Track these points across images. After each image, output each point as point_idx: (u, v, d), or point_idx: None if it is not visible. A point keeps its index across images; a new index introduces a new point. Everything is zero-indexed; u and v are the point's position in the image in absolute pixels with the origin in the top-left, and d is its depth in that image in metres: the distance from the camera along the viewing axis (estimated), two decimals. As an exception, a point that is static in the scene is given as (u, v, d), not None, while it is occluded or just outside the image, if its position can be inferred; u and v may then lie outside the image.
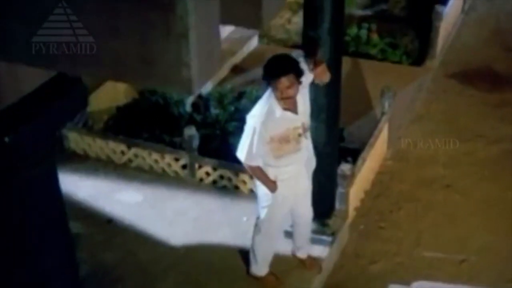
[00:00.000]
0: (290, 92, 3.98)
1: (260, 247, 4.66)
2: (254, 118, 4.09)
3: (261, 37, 8.68)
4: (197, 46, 1.78)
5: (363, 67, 8.00)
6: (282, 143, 4.13)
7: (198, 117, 6.50)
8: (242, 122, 6.30)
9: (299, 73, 3.99)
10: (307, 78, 4.18)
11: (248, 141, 4.06)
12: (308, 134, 4.32)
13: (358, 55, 8.12)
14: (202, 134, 5.99)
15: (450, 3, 8.28)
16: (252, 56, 8.27)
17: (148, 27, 1.78)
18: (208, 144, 6.06)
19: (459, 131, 6.90)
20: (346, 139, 6.35)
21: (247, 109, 6.46)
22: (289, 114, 4.11)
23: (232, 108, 6.49)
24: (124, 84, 7.07)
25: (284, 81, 3.94)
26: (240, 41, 8.31)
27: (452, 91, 7.63)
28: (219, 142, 6.11)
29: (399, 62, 8.16)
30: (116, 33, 1.84)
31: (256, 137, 4.04)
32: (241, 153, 4.13)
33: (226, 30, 8.32)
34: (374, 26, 8.48)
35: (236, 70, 8.00)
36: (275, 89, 3.98)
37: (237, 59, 8.12)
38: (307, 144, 4.34)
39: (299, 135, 4.22)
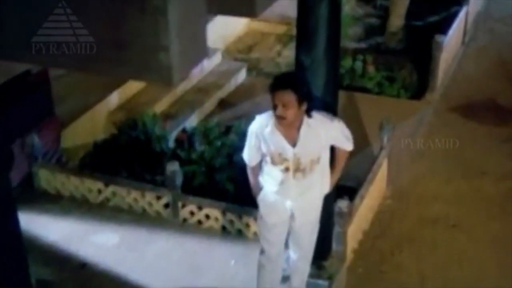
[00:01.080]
0: (285, 112, 3.88)
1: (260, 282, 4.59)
2: (252, 122, 4.20)
3: (249, 70, 8.62)
4: (177, 25, 1.58)
5: (358, 101, 7.92)
6: (270, 161, 4.15)
7: (182, 153, 6.35)
8: (229, 158, 6.29)
9: (301, 94, 3.88)
10: (329, 132, 4.10)
11: (246, 141, 4.26)
12: (304, 177, 4.16)
13: (353, 88, 8.04)
14: (186, 171, 5.83)
15: (450, 34, 8.27)
16: (240, 90, 8.22)
17: (120, 1, 1.59)
18: (193, 181, 5.90)
19: (464, 167, 6.80)
20: (342, 177, 6.22)
21: (235, 144, 6.47)
22: (279, 137, 4.04)
23: (219, 143, 6.36)
24: (103, 117, 6.97)
25: (280, 96, 3.86)
26: (227, 74, 8.27)
27: (454, 125, 7.54)
28: (204, 179, 5.94)
29: (397, 96, 8.10)
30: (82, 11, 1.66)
31: (247, 140, 4.22)
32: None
33: (212, 63, 8.27)
34: (369, 58, 8.43)
35: (223, 104, 7.91)
36: (272, 105, 3.92)
37: (223, 93, 8.05)
38: (298, 185, 4.19)
39: (286, 169, 4.11)
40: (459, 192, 6.45)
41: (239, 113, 7.39)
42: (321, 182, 4.37)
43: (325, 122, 4.13)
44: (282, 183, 4.18)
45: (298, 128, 4.04)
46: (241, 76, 8.45)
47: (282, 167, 4.12)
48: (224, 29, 9.16)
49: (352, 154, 6.74)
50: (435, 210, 6.23)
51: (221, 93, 7.98)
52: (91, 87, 7.18)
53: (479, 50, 9.24)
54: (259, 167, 4.33)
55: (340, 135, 4.24)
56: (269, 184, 4.28)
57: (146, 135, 6.61)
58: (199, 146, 6.48)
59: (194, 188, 5.82)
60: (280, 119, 3.94)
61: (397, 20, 9.20)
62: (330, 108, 4.39)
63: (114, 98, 7.22)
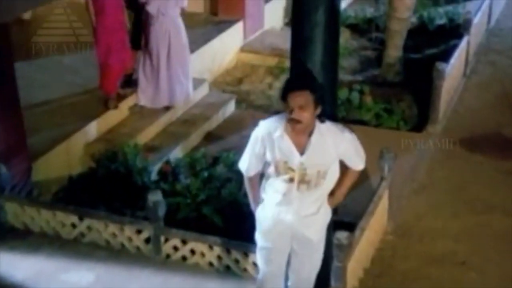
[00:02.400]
0: (302, 115, 3.79)
1: None
2: (257, 127, 4.06)
3: (238, 103, 8.46)
4: None
5: (355, 133, 7.71)
6: (274, 170, 4.01)
7: (165, 186, 6.11)
8: (217, 190, 6.05)
9: (318, 96, 3.81)
10: (339, 144, 3.97)
11: (246, 149, 4.13)
12: (308, 191, 4.02)
13: (349, 120, 7.86)
14: (169, 203, 5.58)
15: (451, 62, 8.17)
16: (228, 123, 8.08)
17: None
18: (177, 214, 5.65)
19: (470, 202, 6.61)
20: (340, 211, 6.01)
21: (223, 176, 6.26)
22: (287, 143, 3.92)
23: (206, 174, 6.15)
24: (79, 149, 6.73)
25: (297, 97, 3.77)
26: (215, 106, 8.13)
27: (458, 158, 7.40)
28: (190, 212, 5.69)
29: (397, 128, 7.98)
30: None
31: (249, 147, 4.08)
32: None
33: (199, 94, 8.10)
34: (366, 89, 8.30)
35: (210, 137, 7.75)
36: (286, 106, 3.82)
37: (211, 125, 7.88)
38: (301, 199, 4.04)
39: (291, 179, 3.97)
40: (466, 227, 6.22)
41: (227, 147, 7.24)
42: (326, 202, 4.22)
43: (336, 132, 4.00)
44: (285, 194, 4.04)
45: (309, 135, 3.93)
46: (230, 108, 8.29)
47: (287, 177, 3.99)
48: (211, 61, 9.07)
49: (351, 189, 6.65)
50: (441, 247, 5.99)
51: (208, 126, 7.81)
52: (67, 116, 7.02)
53: (481, 82, 9.16)
54: (258, 178, 4.18)
55: (351, 149, 4.08)
56: (271, 196, 4.12)
57: (126, 168, 6.42)
58: (185, 179, 6.27)
59: (178, 221, 5.60)
60: (295, 123, 3.82)
61: (394, 51, 9.11)
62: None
63: (92, 129, 7.00)
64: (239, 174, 6.04)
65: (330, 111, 4.24)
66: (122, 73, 7.39)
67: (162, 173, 6.46)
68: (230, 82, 9.20)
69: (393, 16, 8.94)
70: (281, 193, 4.05)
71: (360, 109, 8.07)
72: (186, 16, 7.63)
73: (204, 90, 8.29)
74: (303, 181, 4.00)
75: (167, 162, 6.64)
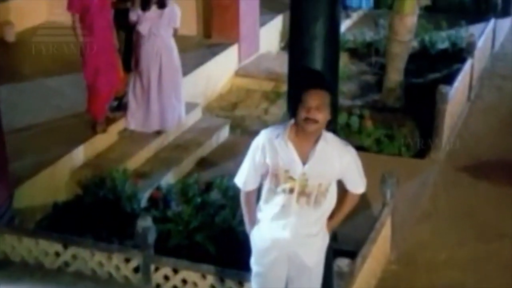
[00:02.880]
0: (318, 115, 3.74)
1: None
2: (258, 135, 4.02)
3: (233, 128, 8.39)
4: None
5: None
6: (273, 181, 3.95)
7: (156, 213, 6.00)
8: (211, 217, 5.94)
9: (332, 101, 3.80)
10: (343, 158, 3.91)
11: (244, 161, 4.08)
12: (307, 205, 3.95)
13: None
14: (160, 230, 5.47)
15: (455, 86, 8.15)
16: (222, 149, 7.99)
17: None
18: (168, 241, 5.53)
19: (477, 230, 6.54)
20: (340, 240, 5.92)
21: (217, 203, 6.15)
22: (290, 149, 3.85)
23: (199, 200, 6.07)
24: (65, 175, 6.63)
25: (316, 96, 3.74)
26: (208, 131, 8.06)
27: (463, 185, 7.35)
28: (181, 239, 5.58)
29: (399, 155, 7.93)
30: None
31: (248, 158, 4.03)
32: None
33: (192, 118, 8.03)
34: (366, 113, 8.24)
35: (203, 163, 7.64)
36: (301, 106, 3.75)
37: (204, 151, 7.79)
38: (300, 213, 3.96)
39: (291, 190, 3.90)
40: (474, 257, 6.12)
41: (221, 173, 7.10)
42: (325, 226, 4.14)
43: (340, 143, 3.97)
44: (283, 206, 3.96)
45: (315, 143, 3.87)
46: (224, 133, 8.22)
47: (287, 186, 3.91)
48: (204, 85, 9.02)
49: (349, 216, 6.56)
50: (447, 277, 5.90)
51: (201, 151, 7.72)
52: (53, 141, 6.93)
53: (487, 107, 9.14)
54: (255, 196, 4.10)
55: (354, 166, 4.01)
56: (267, 211, 4.04)
57: (115, 194, 6.34)
58: (177, 206, 6.17)
59: (169, 249, 5.50)
60: (310, 123, 3.76)
61: (395, 76, 9.09)
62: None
63: (79, 154, 6.90)
64: (233, 201, 6.00)
65: (331, 129, 4.17)
66: (111, 95, 7.32)
67: (152, 200, 6.36)
68: (224, 107, 9.14)
69: (393, 39, 8.93)
70: (279, 205, 3.97)
71: (359, 134, 8.00)
72: (178, 39, 7.58)
73: (197, 114, 8.22)
74: (304, 193, 3.92)
75: (158, 188, 6.54)
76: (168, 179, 7.00)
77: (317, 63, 4.00)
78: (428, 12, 11.67)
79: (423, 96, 8.82)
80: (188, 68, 8.40)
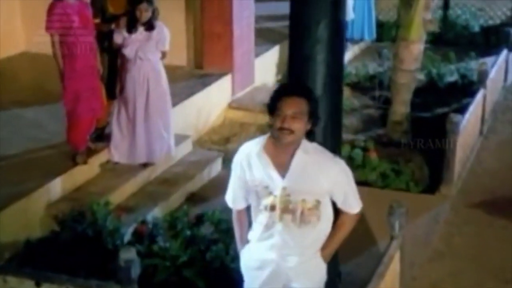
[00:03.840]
0: (293, 124, 3.68)
1: None
2: (237, 152, 4.06)
3: (226, 162, 8.23)
4: None
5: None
6: (254, 198, 3.94)
7: (140, 248, 5.84)
8: (201, 252, 5.78)
9: (312, 109, 3.73)
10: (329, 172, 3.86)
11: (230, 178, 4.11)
12: (294, 223, 3.86)
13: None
14: (145, 265, 5.30)
15: (466, 117, 8.12)
16: (214, 184, 7.85)
17: None
18: (154, 277, 5.36)
19: (495, 272, 6.40)
20: (344, 279, 5.80)
21: (209, 237, 6.00)
22: (265, 162, 3.80)
23: (188, 234, 5.92)
24: (40, 209, 6.48)
25: (292, 103, 3.69)
26: (199, 165, 7.95)
27: (478, 223, 7.24)
28: (169, 275, 5.41)
29: (407, 190, 7.83)
30: None
31: (231, 175, 4.05)
32: None
33: (182, 151, 7.93)
34: (371, 145, 8.15)
35: (193, 199, 7.50)
36: (275, 115, 3.72)
37: (194, 186, 7.67)
38: (286, 232, 3.87)
39: (272, 207, 3.84)
40: (492, 299, 5.97)
41: (213, 209, 6.94)
42: (319, 254, 4.03)
43: (325, 155, 3.89)
44: (266, 225, 3.90)
45: (292, 154, 3.78)
46: (216, 167, 8.12)
47: (268, 203, 3.85)
48: (195, 117, 8.96)
49: (354, 253, 6.44)
50: (463, 320, 5.72)
51: (192, 186, 7.60)
52: (28, 173, 6.81)
53: (500, 142, 9.11)
54: (246, 216, 4.05)
55: (344, 180, 3.92)
56: (255, 229, 4.02)
57: (95, 229, 6.22)
58: (164, 242, 6.01)
59: (155, 286, 5.32)
60: (285, 134, 3.70)
61: (401, 108, 9.04)
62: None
63: (56, 186, 6.77)
64: (227, 235, 5.86)
65: (333, 146, 4.09)
66: (93, 124, 7.20)
67: (137, 235, 6.21)
68: (217, 141, 9.04)
69: (399, 68, 8.90)
70: (262, 224, 3.91)
71: (363, 168, 7.90)
72: (167, 69, 7.51)
73: (187, 147, 8.12)
74: (287, 210, 3.84)
75: (143, 222, 6.38)
76: (155, 214, 6.85)
77: (320, 70, 3.93)
78: (434, 45, 11.77)
79: (431, 131, 8.79)
80: (177, 98, 8.33)
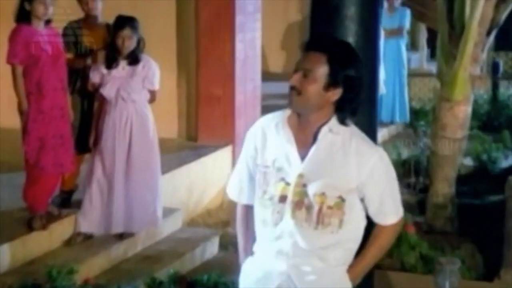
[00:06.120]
0: (303, 84, 3.53)
1: None
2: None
3: (223, 245, 8.02)
4: None
5: (395, 283, 7.11)
6: (260, 183, 3.67)
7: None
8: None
9: (338, 70, 3.52)
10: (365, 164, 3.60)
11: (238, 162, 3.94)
12: (308, 223, 3.59)
13: (384, 267, 7.27)
14: None
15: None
16: (208, 268, 7.38)
17: None
18: None
19: None
20: None
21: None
22: (287, 133, 3.62)
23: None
24: None
25: (304, 58, 3.56)
26: (190, 243, 7.65)
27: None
28: None
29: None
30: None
31: (242, 155, 3.84)
32: None
33: (169, 227, 7.76)
34: (409, 218, 7.81)
35: (183, 283, 7.02)
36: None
37: (183, 266, 7.28)
38: (298, 233, 3.59)
39: (281, 198, 3.59)
40: None
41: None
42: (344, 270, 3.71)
43: (363, 140, 3.66)
44: (272, 223, 3.64)
45: (317, 133, 3.60)
46: (212, 249, 7.83)
47: (277, 192, 3.61)
48: (187, 192, 8.70)
49: None
50: None
51: (180, 266, 7.22)
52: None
53: None
54: (252, 215, 3.77)
55: (383, 178, 3.66)
56: (258, 232, 3.75)
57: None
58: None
59: None
60: (290, 94, 3.57)
61: (444, 187, 8.72)
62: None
63: (3, 255, 6.44)
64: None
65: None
66: (58, 182, 6.98)
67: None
68: (213, 225, 8.72)
69: (441, 136, 8.62)
70: (267, 221, 3.66)
71: (398, 247, 7.48)
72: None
73: (176, 222, 7.88)
74: (301, 204, 3.57)
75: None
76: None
77: (350, 26, 3.81)
78: (483, 131, 11.73)
79: (481, 219, 8.61)
80: (165, 167, 8.06)
